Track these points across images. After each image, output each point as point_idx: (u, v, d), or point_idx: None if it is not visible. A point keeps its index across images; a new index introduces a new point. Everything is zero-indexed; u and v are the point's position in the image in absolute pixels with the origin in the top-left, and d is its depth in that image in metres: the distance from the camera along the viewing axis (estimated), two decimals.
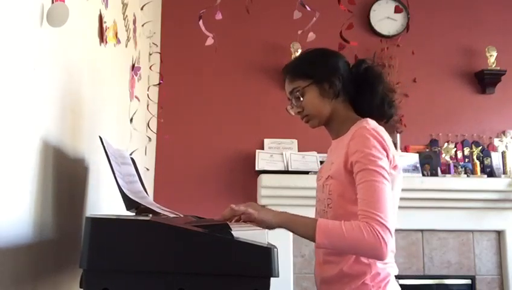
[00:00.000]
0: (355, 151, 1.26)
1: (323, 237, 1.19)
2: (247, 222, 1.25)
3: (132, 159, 1.45)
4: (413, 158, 3.22)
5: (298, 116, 1.45)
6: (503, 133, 3.40)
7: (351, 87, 1.40)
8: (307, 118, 1.42)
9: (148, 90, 2.72)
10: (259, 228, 1.20)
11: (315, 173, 3.01)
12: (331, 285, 1.34)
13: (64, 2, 1.11)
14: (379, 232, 1.16)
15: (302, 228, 1.25)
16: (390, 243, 1.18)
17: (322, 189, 1.38)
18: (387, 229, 1.17)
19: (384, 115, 1.39)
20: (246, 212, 1.24)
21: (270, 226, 1.25)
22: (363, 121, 1.34)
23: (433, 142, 3.40)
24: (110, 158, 1.14)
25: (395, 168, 1.30)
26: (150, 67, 2.78)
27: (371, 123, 1.32)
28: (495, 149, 3.34)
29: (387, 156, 1.27)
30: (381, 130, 1.31)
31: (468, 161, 3.30)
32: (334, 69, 1.39)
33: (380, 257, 1.19)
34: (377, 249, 1.16)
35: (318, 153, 3.13)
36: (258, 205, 1.31)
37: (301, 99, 1.39)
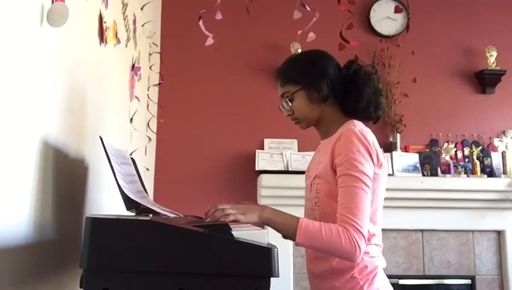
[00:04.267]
0: (340, 153, 1.30)
1: (303, 237, 1.24)
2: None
3: (132, 159, 1.45)
4: (413, 158, 3.22)
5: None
6: (503, 133, 3.40)
7: (340, 90, 1.42)
8: (296, 120, 1.47)
9: (148, 90, 2.72)
10: (259, 228, 1.20)
11: None
12: (322, 280, 1.39)
13: (64, 2, 1.11)
14: (355, 239, 1.21)
15: (283, 229, 1.29)
16: (364, 248, 1.24)
17: (310, 188, 1.43)
18: (363, 236, 1.23)
19: (369, 117, 1.43)
20: (234, 218, 1.23)
21: (258, 225, 1.26)
22: (350, 122, 1.38)
23: (433, 142, 3.39)
24: (111, 158, 1.14)
25: (381, 167, 1.33)
26: (150, 67, 2.78)
27: (358, 125, 1.35)
28: (495, 149, 3.34)
29: (372, 160, 1.30)
30: (367, 132, 1.35)
31: (468, 161, 3.30)
32: (323, 75, 1.42)
33: (353, 260, 1.25)
34: (351, 253, 1.22)
35: None
36: (241, 205, 1.29)
37: (290, 103, 1.44)
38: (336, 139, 1.33)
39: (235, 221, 1.22)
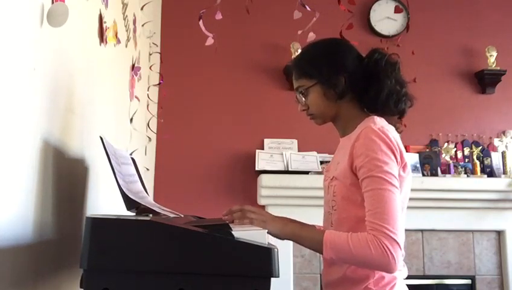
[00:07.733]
0: (360, 154, 1.19)
1: (330, 252, 1.17)
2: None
3: (132, 159, 1.44)
4: (413, 158, 3.22)
5: (301, 114, 1.41)
6: (503, 133, 3.40)
7: (360, 82, 1.30)
8: (311, 116, 1.38)
9: (148, 90, 2.71)
10: (259, 227, 1.20)
11: (315, 173, 3.02)
12: (335, 288, 1.31)
13: (64, 2, 1.11)
14: (387, 247, 1.11)
15: (309, 243, 1.24)
16: (399, 256, 1.13)
17: (327, 190, 1.34)
18: (395, 241, 1.12)
19: (390, 112, 1.31)
20: (254, 223, 1.22)
21: (278, 239, 1.23)
22: (369, 119, 1.27)
23: (433, 142, 3.40)
24: (111, 158, 1.14)
25: (405, 168, 1.23)
26: (150, 67, 2.77)
27: (378, 122, 1.25)
28: (495, 149, 3.34)
29: (396, 158, 1.19)
30: (389, 129, 1.24)
31: (468, 161, 3.30)
32: (340, 69, 1.31)
33: (389, 271, 1.15)
34: (385, 264, 1.12)
35: (318, 153, 3.14)
36: (266, 213, 1.29)
37: (304, 98, 1.35)
38: (355, 138, 1.22)
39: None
